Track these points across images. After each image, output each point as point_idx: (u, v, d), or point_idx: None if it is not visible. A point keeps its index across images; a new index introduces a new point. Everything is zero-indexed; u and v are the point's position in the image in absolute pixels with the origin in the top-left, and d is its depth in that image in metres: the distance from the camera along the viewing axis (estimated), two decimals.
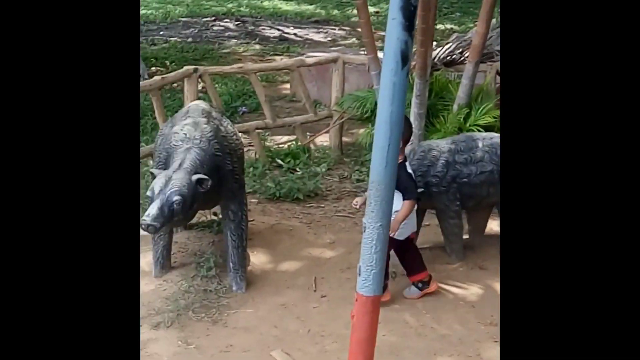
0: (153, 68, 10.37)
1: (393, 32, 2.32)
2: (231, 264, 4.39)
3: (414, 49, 3.43)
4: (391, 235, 3.98)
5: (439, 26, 11.79)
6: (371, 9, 10.33)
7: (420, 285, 4.33)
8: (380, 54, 5.72)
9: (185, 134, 4.25)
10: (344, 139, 7.17)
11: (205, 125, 4.33)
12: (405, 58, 2.34)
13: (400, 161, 3.94)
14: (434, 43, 6.23)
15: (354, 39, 13.41)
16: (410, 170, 4.15)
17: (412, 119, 5.22)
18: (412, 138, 5.20)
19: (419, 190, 4.44)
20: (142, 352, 3.75)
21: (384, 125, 2.42)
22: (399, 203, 3.99)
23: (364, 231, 2.57)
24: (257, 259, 4.84)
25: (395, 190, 3.85)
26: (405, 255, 4.36)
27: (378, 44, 5.46)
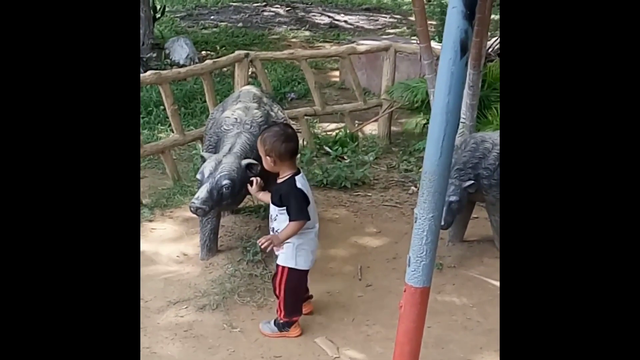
0: (203, 52, 10.43)
1: (453, 20, 2.27)
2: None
3: None
4: (293, 266, 3.68)
5: (494, 16, 11.62)
6: None
7: (287, 325, 3.83)
8: (433, 43, 5.67)
9: (236, 119, 4.27)
10: (393, 128, 7.12)
11: (256, 111, 4.34)
12: (464, 47, 2.29)
13: (289, 175, 3.64)
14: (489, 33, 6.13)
15: (405, 27, 13.31)
16: (301, 186, 3.62)
17: (464, 109, 5.15)
18: (463, 130, 5.16)
19: (469, 182, 4.37)
20: (187, 333, 3.81)
21: (440, 116, 2.38)
22: (283, 224, 3.63)
23: (415, 222, 2.53)
24: None
25: (279, 210, 3.64)
26: (300, 289, 3.88)
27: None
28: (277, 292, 3.80)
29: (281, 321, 3.81)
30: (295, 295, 3.81)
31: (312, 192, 5.61)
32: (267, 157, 3.61)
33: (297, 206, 3.59)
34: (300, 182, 3.63)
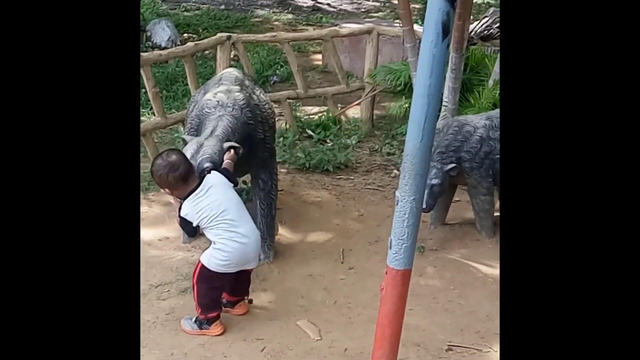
0: (185, 34, 10.34)
1: (435, 2, 2.26)
2: (259, 233, 4.38)
3: None
4: (204, 263, 3.58)
5: (476, 0, 11.60)
6: None
7: (205, 322, 3.68)
8: (415, 26, 5.66)
9: (218, 101, 4.24)
10: (376, 111, 7.11)
11: (238, 93, 4.31)
12: (446, 30, 2.28)
13: (185, 196, 3.55)
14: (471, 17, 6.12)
15: (388, 10, 13.27)
16: (187, 212, 3.53)
17: (446, 92, 5.16)
18: (445, 113, 5.16)
19: (451, 166, 4.39)
20: (168, 317, 3.81)
21: (422, 98, 2.38)
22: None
23: (397, 204, 2.54)
24: (285, 229, 4.84)
25: None
26: (211, 289, 3.68)
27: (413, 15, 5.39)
28: (192, 283, 3.72)
29: (200, 317, 3.67)
30: (205, 291, 3.65)
31: (294, 175, 5.64)
32: (165, 191, 3.63)
33: (188, 229, 3.65)
34: (190, 202, 3.53)
